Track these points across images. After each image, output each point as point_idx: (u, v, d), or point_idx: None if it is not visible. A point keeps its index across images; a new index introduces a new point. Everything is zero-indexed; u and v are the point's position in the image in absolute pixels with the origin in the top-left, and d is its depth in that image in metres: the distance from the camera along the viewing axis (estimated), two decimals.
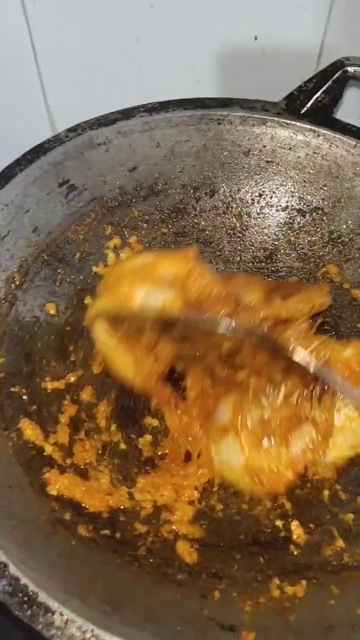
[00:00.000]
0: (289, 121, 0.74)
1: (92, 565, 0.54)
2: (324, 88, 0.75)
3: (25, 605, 0.48)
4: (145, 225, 0.77)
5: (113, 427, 0.68)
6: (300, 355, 0.59)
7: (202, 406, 0.67)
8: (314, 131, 0.74)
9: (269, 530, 0.62)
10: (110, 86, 0.92)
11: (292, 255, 0.79)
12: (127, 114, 0.74)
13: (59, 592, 0.49)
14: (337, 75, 0.74)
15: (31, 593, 0.48)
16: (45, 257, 0.71)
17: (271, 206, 0.78)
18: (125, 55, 0.90)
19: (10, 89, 0.93)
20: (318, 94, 0.75)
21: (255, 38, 0.87)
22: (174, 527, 0.61)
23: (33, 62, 0.90)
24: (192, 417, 0.67)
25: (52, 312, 0.71)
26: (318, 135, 0.74)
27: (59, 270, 0.72)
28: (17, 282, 0.68)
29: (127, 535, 0.59)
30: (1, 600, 0.48)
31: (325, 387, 0.61)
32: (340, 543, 0.59)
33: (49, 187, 0.71)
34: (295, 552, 0.59)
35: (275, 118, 0.75)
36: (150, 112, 0.75)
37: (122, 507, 0.62)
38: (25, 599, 0.48)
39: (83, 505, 0.60)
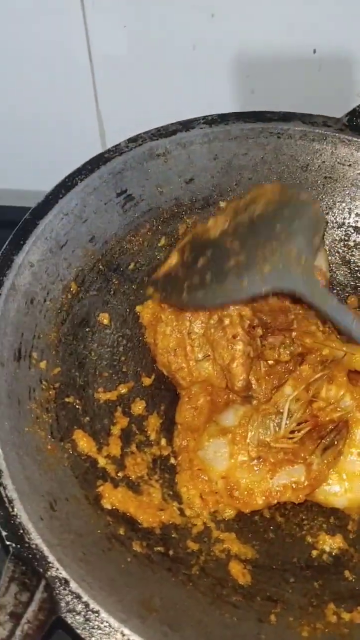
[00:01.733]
0: (350, 137, 0.73)
1: (148, 584, 0.54)
2: None
3: (87, 624, 0.48)
4: None
5: (163, 441, 0.68)
6: None
7: (214, 402, 0.67)
8: None
9: (322, 555, 0.61)
10: (163, 94, 0.92)
11: (344, 272, 0.78)
12: (186, 125, 0.74)
13: (118, 610, 0.49)
14: None
15: (92, 611, 0.48)
16: (101, 267, 0.71)
17: (326, 222, 0.77)
18: (181, 63, 0.89)
19: (63, 93, 0.92)
20: None
21: (314, 51, 0.86)
22: (225, 545, 0.61)
23: (88, 67, 0.89)
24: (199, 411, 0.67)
25: (105, 322, 0.70)
26: None
27: (113, 281, 0.72)
28: (74, 292, 0.68)
29: (180, 553, 0.59)
30: (62, 617, 0.48)
31: (336, 442, 0.61)
32: None
33: (107, 197, 0.71)
34: (350, 578, 0.59)
35: (337, 134, 0.74)
36: (210, 124, 0.74)
37: (173, 523, 0.61)
38: (87, 616, 0.48)
39: (136, 520, 0.60)
